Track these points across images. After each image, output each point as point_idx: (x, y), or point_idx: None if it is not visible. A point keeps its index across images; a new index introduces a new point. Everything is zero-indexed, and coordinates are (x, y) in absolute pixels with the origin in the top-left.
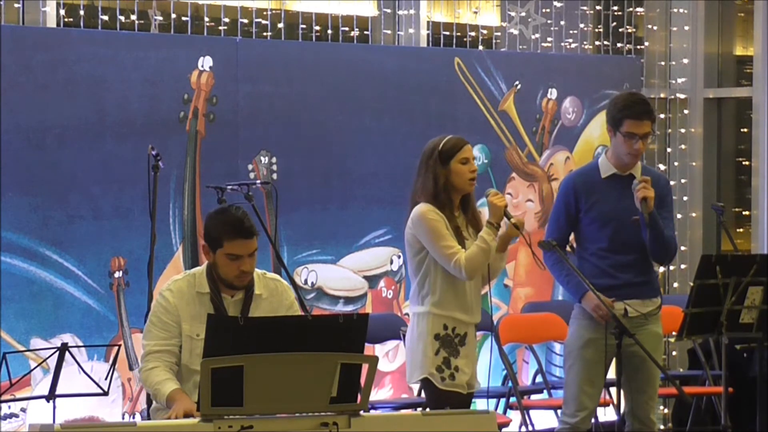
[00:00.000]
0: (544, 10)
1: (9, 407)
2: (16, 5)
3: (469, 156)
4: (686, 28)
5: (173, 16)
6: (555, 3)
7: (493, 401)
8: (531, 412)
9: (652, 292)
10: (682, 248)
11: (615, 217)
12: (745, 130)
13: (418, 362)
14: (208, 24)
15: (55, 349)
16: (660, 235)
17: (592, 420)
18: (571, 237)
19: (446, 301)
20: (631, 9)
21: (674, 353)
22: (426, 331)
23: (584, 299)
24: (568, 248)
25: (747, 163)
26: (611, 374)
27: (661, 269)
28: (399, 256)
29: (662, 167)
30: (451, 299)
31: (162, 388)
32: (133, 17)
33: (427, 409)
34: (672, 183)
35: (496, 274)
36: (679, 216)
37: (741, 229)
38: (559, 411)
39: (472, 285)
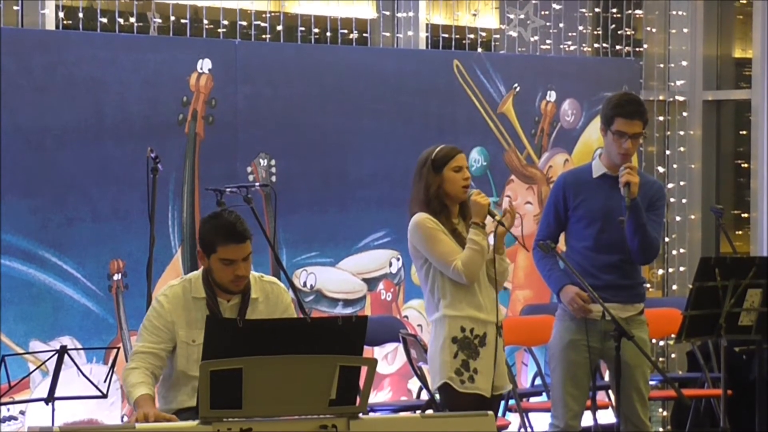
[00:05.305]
0: (543, 13)
1: (8, 410)
2: (15, 7)
3: (462, 164)
4: (685, 30)
5: (172, 18)
6: (554, 5)
7: None
8: (530, 414)
9: (634, 298)
10: (681, 250)
11: (602, 216)
12: (744, 132)
13: (437, 368)
14: (206, 26)
15: (54, 352)
16: (641, 226)
17: (584, 422)
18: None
19: (459, 302)
20: (630, 11)
21: (673, 356)
22: (444, 335)
23: (562, 292)
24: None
25: (746, 165)
26: (608, 376)
27: (660, 271)
28: (398, 259)
29: (661, 169)
30: (463, 299)
31: (134, 390)
32: (132, 20)
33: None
34: (671, 185)
35: (504, 276)
36: (678, 218)
37: (740, 232)
38: None
39: (481, 284)
